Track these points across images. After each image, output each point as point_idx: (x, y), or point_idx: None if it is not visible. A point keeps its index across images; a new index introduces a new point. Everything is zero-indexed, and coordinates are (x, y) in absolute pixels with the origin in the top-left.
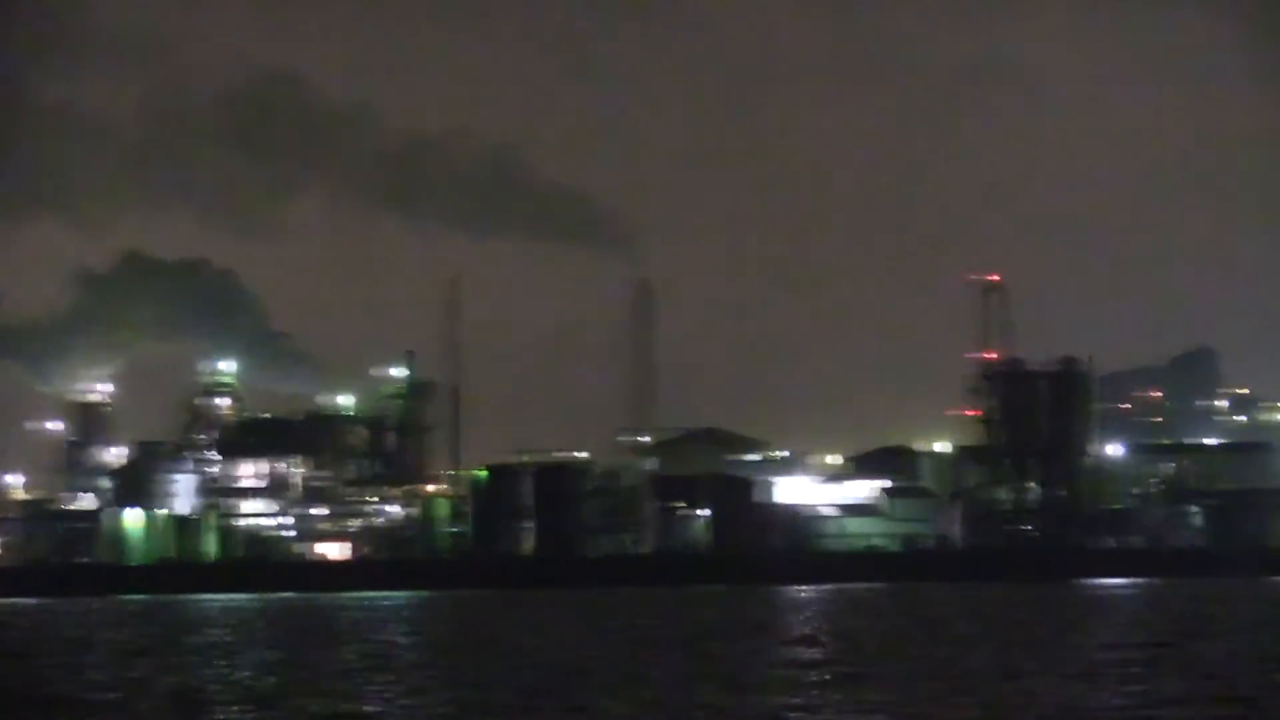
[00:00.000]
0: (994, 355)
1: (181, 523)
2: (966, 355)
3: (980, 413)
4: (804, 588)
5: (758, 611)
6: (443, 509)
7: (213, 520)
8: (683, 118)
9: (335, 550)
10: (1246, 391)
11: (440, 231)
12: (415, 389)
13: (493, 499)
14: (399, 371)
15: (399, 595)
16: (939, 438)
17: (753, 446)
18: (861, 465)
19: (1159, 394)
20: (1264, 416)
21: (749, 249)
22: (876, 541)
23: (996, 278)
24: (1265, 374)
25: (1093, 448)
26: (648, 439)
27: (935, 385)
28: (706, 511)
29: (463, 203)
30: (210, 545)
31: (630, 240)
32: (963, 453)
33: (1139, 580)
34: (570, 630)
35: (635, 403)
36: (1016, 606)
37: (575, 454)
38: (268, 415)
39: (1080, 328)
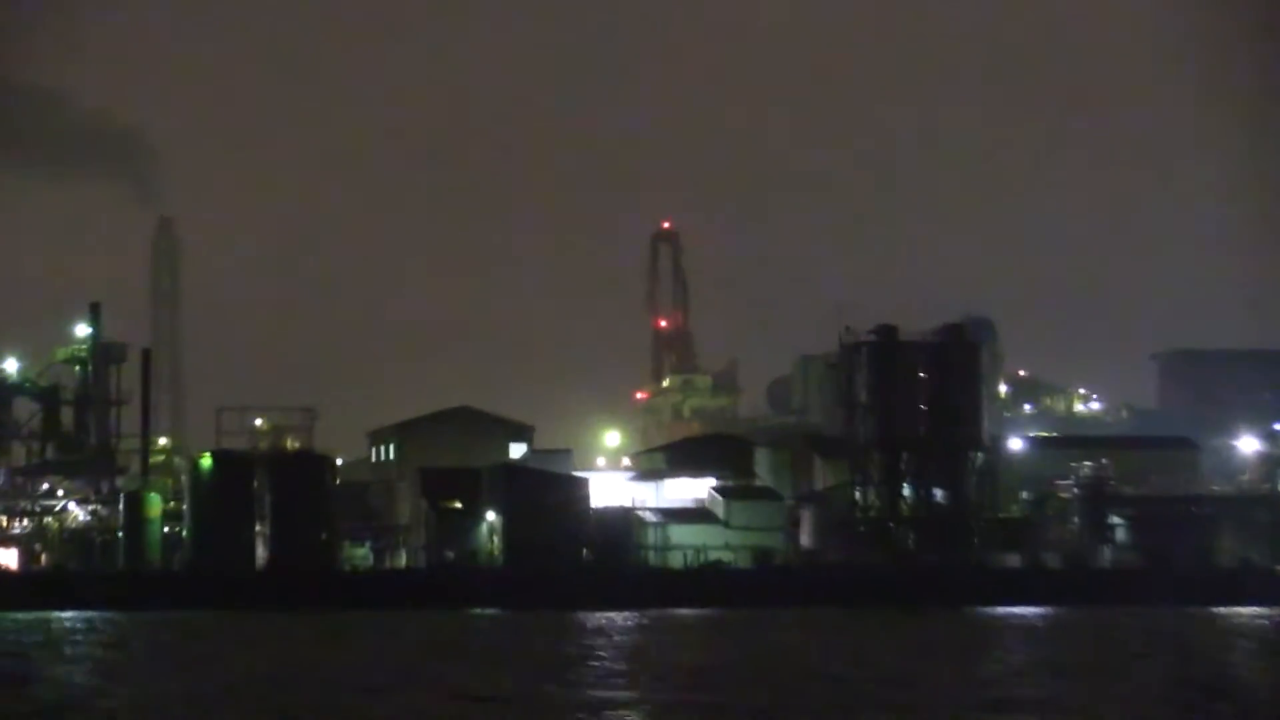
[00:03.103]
0: (663, 321)
1: None
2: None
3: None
4: (618, 614)
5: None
6: (154, 507)
7: None
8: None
9: (5, 558)
10: (1025, 374)
11: None
12: (101, 351)
13: (219, 495)
14: (81, 329)
15: (89, 616)
16: (615, 425)
17: (519, 432)
18: (675, 458)
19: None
20: (1054, 404)
21: (307, 193)
22: (717, 555)
23: (668, 224)
24: (1038, 353)
25: (986, 440)
26: (259, 422)
27: (602, 359)
28: (492, 515)
29: None
30: None
31: (145, 167)
32: (812, 444)
33: (1048, 609)
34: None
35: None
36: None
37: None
38: None
39: (793, 288)
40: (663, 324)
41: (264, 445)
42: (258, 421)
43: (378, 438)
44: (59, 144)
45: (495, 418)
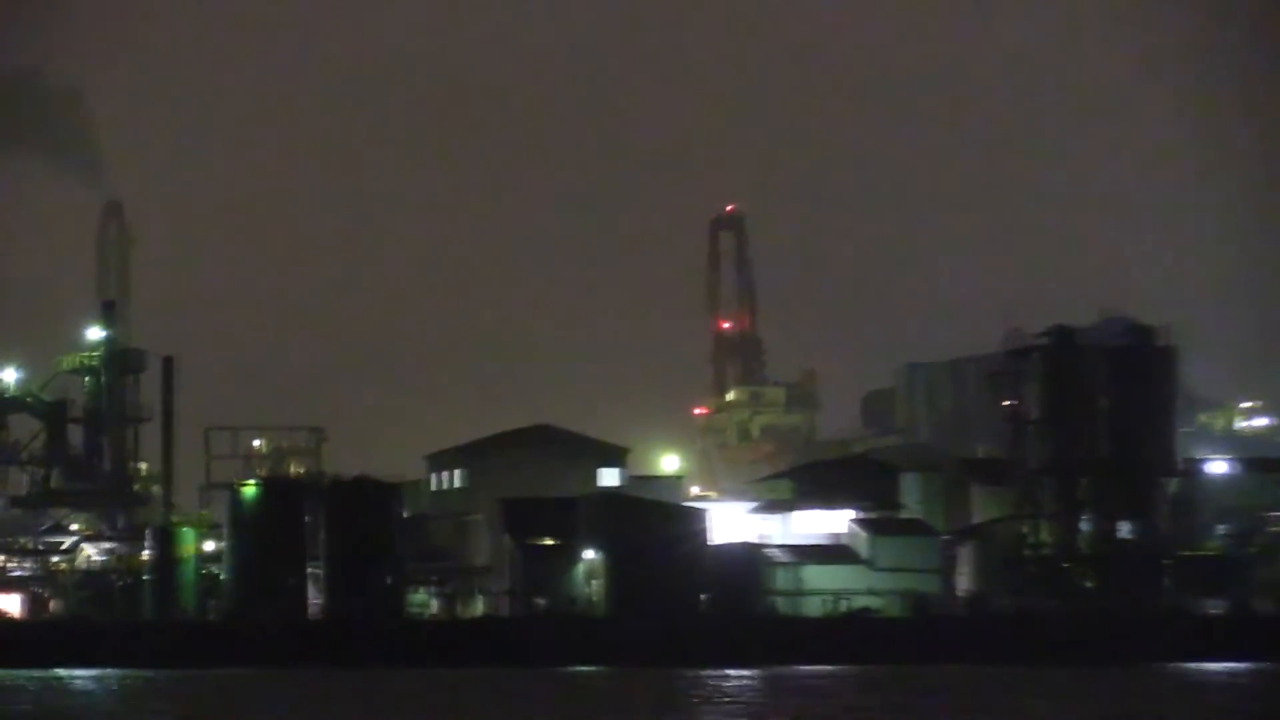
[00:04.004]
0: (726, 323)
1: None
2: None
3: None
4: (745, 671)
5: None
6: (188, 545)
7: None
8: None
9: (7, 604)
10: None
11: None
12: (117, 359)
13: (265, 531)
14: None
15: (108, 674)
16: (672, 446)
17: (611, 455)
18: (804, 485)
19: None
20: (1212, 421)
21: (291, 173)
22: (863, 602)
23: (731, 208)
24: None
25: (1182, 463)
26: (257, 443)
27: (652, 366)
28: (591, 554)
29: None
30: None
31: (86, 138)
32: (968, 469)
33: (1260, 664)
34: None
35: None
36: None
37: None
38: None
39: (883, 285)
40: (725, 326)
41: (262, 471)
42: (255, 443)
43: (440, 462)
44: None
45: (581, 438)
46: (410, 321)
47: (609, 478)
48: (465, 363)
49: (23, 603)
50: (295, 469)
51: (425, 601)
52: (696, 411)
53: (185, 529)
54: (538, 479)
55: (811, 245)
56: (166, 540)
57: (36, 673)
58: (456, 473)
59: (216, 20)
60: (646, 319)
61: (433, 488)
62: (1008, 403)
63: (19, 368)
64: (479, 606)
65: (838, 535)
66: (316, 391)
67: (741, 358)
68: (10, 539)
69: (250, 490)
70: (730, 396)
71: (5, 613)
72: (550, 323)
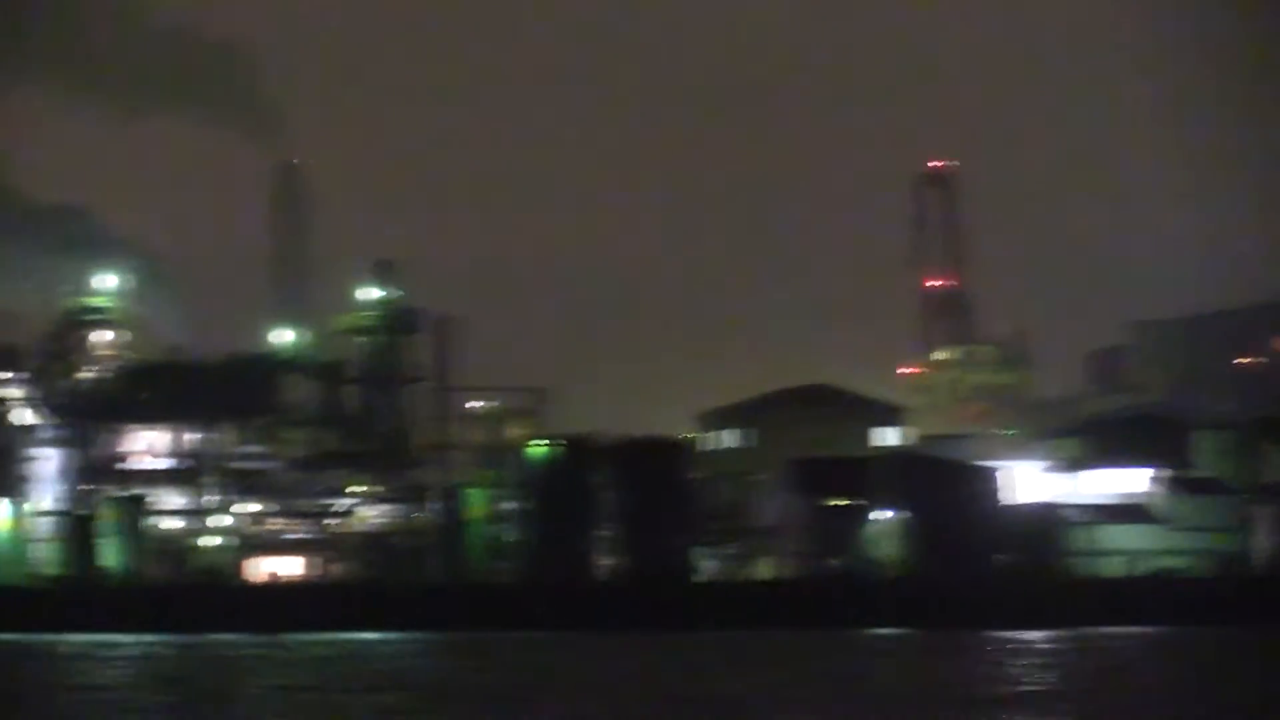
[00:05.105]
0: (934, 280)
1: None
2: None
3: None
4: (1046, 633)
5: None
6: (477, 505)
7: (111, 520)
8: None
9: (289, 567)
10: None
11: None
12: (395, 320)
13: (558, 492)
14: (369, 292)
15: (395, 638)
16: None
17: (889, 415)
18: (1093, 443)
19: None
20: None
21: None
22: (1164, 562)
23: (939, 164)
24: None
25: None
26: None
27: (858, 326)
28: (887, 513)
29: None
30: (106, 557)
31: (253, 94)
32: (1263, 427)
33: None
34: None
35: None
36: None
37: None
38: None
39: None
40: (933, 284)
41: (481, 434)
42: (475, 404)
43: (715, 421)
44: (138, 67)
45: (859, 397)
46: (599, 278)
47: (889, 437)
48: (665, 323)
49: (307, 565)
50: (515, 430)
51: (704, 563)
52: (904, 371)
53: (474, 490)
54: (815, 438)
55: (1018, 203)
56: (454, 501)
57: (329, 636)
58: (736, 432)
59: None
60: (852, 277)
61: (706, 448)
62: None
63: (299, 329)
64: (765, 568)
65: (1129, 494)
66: (508, 355)
67: (950, 316)
68: (288, 501)
69: (541, 450)
70: (941, 356)
71: (284, 575)
72: (755, 281)
